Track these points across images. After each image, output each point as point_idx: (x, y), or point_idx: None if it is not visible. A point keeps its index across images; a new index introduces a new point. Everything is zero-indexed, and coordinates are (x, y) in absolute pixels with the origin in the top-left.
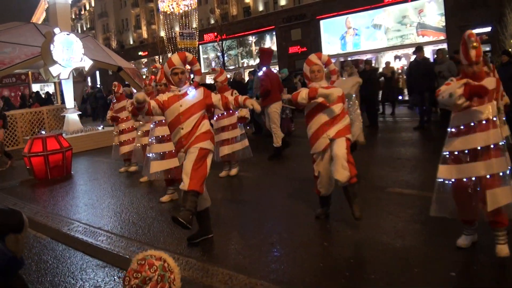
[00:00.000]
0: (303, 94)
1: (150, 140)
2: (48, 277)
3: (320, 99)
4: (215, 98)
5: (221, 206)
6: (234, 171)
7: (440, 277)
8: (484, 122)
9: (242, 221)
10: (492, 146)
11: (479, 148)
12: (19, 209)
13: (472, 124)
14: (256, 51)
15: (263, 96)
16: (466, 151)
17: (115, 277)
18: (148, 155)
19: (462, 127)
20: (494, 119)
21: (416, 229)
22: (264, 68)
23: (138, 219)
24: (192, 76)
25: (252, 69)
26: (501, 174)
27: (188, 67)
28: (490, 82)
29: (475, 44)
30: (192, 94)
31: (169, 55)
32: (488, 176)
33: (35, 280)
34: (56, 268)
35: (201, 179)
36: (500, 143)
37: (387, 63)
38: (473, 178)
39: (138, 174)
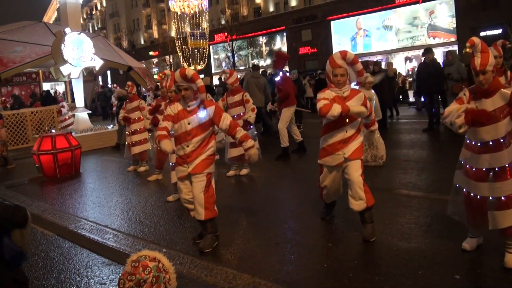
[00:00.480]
0: (334, 111)
1: None
2: (54, 274)
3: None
4: (224, 123)
5: (228, 206)
6: (244, 171)
7: (444, 279)
8: (490, 143)
9: (248, 221)
10: (496, 169)
11: (484, 169)
12: (27, 206)
13: (479, 144)
14: (267, 52)
15: (283, 99)
16: (474, 169)
17: (119, 275)
18: (170, 164)
19: (473, 142)
20: (501, 140)
21: (421, 231)
22: (280, 73)
23: (145, 218)
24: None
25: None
26: (502, 198)
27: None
28: (500, 97)
29: (467, 49)
30: (204, 115)
31: (180, 55)
32: (490, 198)
33: (41, 276)
34: (62, 265)
35: (213, 204)
36: (506, 165)
37: (390, 64)
38: (478, 196)
39: (146, 174)
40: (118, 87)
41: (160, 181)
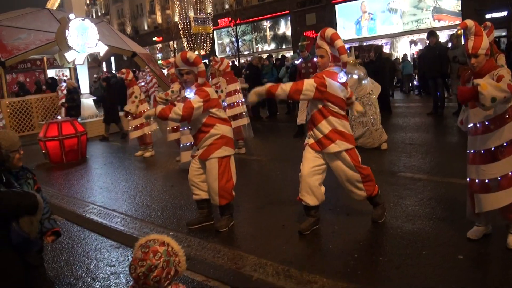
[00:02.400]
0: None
1: (182, 129)
2: (63, 257)
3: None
4: (196, 103)
5: (235, 190)
6: (242, 150)
7: (448, 259)
8: (486, 123)
9: (254, 204)
10: (504, 144)
11: (472, 151)
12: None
13: (478, 125)
14: (272, 37)
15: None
16: (482, 151)
17: (128, 257)
18: (181, 144)
19: (478, 124)
20: (486, 123)
21: (425, 213)
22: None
23: (152, 202)
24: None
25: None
26: (510, 173)
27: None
28: (490, 77)
29: (458, 32)
30: (190, 96)
31: (184, 40)
32: (499, 178)
33: (51, 259)
34: (71, 248)
35: (228, 191)
36: (505, 144)
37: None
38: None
39: (152, 159)
40: (67, 78)
41: (167, 166)
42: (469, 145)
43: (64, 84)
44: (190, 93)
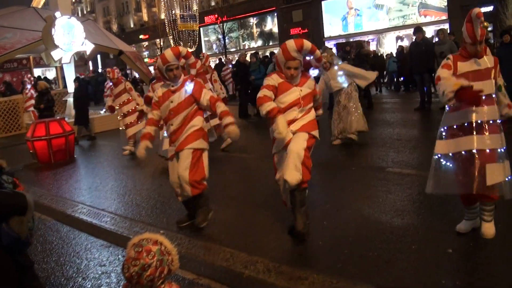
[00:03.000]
0: (263, 109)
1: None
2: (53, 257)
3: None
4: (204, 98)
5: (223, 187)
6: (229, 140)
7: (437, 253)
8: (482, 97)
9: (244, 202)
10: (491, 121)
11: (478, 121)
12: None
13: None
14: (258, 34)
15: None
16: (466, 124)
17: (119, 256)
18: (164, 134)
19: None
20: (493, 96)
21: (414, 208)
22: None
23: (141, 201)
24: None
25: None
26: (498, 150)
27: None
28: (488, 60)
29: (485, 24)
30: (190, 88)
31: (170, 38)
32: (487, 150)
33: (41, 260)
34: (61, 248)
35: (201, 181)
36: (498, 120)
37: (366, 43)
38: (474, 150)
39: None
40: (31, 79)
41: (156, 164)
42: (471, 116)
43: (29, 86)
44: (190, 85)
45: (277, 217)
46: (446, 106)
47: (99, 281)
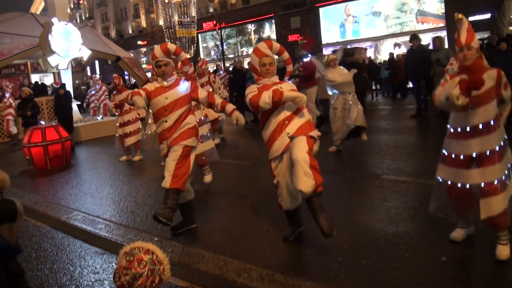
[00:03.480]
0: (266, 98)
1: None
2: (47, 264)
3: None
4: (202, 94)
5: (218, 194)
6: (208, 178)
7: (431, 261)
8: (480, 126)
9: (238, 209)
10: (487, 152)
11: (474, 155)
12: (19, 198)
13: (468, 129)
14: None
15: (308, 78)
16: (462, 156)
17: (113, 264)
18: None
19: (459, 129)
20: (492, 123)
21: (409, 215)
22: (309, 55)
23: (136, 208)
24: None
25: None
26: (495, 182)
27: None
28: (488, 78)
29: (459, 16)
30: (185, 87)
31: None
32: (482, 184)
33: (35, 267)
34: (55, 255)
35: (183, 177)
36: (496, 148)
37: (359, 50)
38: (467, 185)
39: (138, 163)
40: (121, 79)
41: (152, 171)
42: (464, 148)
43: (8, 95)
44: (184, 84)
45: (271, 225)
46: (448, 125)
47: None
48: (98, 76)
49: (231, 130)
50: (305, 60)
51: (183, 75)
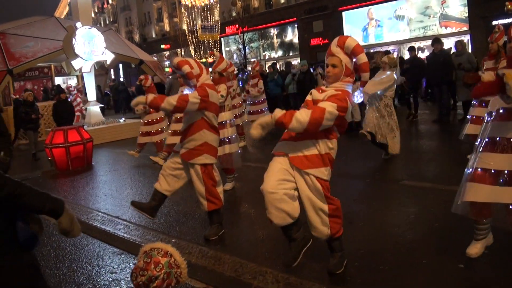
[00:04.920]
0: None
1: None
2: (66, 263)
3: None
4: (192, 98)
5: (235, 197)
6: (229, 186)
7: (448, 268)
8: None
9: (255, 212)
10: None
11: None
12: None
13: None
14: (279, 44)
15: None
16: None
17: (130, 264)
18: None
19: (501, 110)
20: None
21: (427, 221)
22: None
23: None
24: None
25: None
26: None
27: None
28: None
29: (509, 6)
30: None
31: (191, 48)
32: None
33: (53, 265)
34: (74, 254)
35: (216, 195)
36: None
37: (379, 54)
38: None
39: (159, 166)
40: (149, 79)
41: None
42: (493, 131)
43: (74, 93)
44: (187, 92)
45: None
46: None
47: None
48: (74, 85)
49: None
50: None
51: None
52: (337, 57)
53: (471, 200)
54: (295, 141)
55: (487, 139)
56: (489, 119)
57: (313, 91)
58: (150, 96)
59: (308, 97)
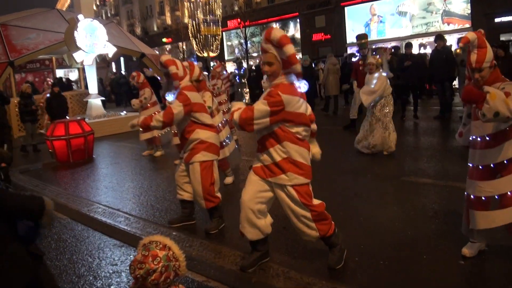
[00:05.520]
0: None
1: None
2: (66, 255)
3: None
4: (175, 108)
5: (236, 191)
6: (229, 179)
7: (449, 264)
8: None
9: None
10: (505, 162)
11: (491, 165)
12: (41, 190)
13: (487, 138)
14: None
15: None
16: (480, 167)
17: (131, 256)
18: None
19: (479, 138)
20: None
21: (428, 217)
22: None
23: (156, 202)
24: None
25: None
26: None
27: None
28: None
29: (458, 50)
30: (170, 99)
31: (193, 42)
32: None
33: (54, 257)
34: (74, 246)
35: (212, 193)
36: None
37: (381, 50)
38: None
39: (161, 159)
40: (141, 75)
41: (173, 167)
42: (469, 158)
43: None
44: (169, 96)
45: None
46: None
47: (110, 280)
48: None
49: None
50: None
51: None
52: (270, 53)
53: (484, 227)
54: (257, 152)
55: (481, 167)
56: (474, 140)
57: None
58: (141, 118)
59: None
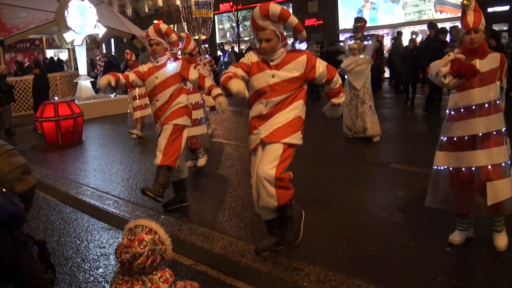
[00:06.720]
0: (232, 86)
1: None
2: (54, 237)
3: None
4: (193, 75)
5: (225, 176)
6: (202, 161)
7: (435, 251)
8: (486, 105)
9: (243, 191)
10: (494, 132)
11: (480, 134)
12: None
13: (474, 107)
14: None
15: None
16: (467, 137)
17: (119, 239)
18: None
19: (462, 109)
20: (498, 102)
21: (416, 205)
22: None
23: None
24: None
25: None
26: (502, 164)
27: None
28: (492, 59)
29: (465, 1)
30: (172, 67)
31: (184, 24)
32: (489, 167)
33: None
34: (63, 229)
35: (174, 155)
36: (502, 129)
37: (374, 36)
38: (473, 168)
39: (147, 141)
40: (134, 55)
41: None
42: (470, 129)
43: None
44: (171, 65)
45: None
46: (447, 110)
47: (98, 263)
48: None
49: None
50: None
51: (172, 56)
52: (269, 30)
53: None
54: (265, 120)
55: (495, 133)
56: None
57: None
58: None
59: None
